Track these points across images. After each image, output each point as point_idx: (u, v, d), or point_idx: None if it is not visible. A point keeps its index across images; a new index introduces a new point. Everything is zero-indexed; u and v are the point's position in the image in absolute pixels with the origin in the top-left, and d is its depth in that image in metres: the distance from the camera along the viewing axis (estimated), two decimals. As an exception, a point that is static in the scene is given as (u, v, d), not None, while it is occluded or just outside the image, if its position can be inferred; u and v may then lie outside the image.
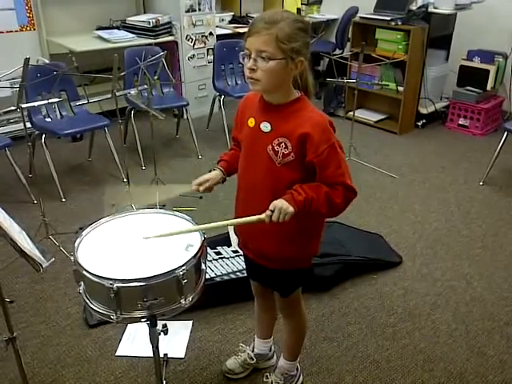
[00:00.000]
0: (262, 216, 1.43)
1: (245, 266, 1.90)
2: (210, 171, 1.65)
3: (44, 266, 1.39)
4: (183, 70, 4.71)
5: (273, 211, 1.40)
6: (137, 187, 3.34)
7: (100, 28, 4.50)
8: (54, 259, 1.45)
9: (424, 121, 4.83)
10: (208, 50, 4.78)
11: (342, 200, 1.45)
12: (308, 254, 1.68)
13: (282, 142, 1.46)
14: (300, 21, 1.39)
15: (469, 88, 4.58)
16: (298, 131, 1.42)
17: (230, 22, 5.18)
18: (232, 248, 2.62)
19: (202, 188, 1.61)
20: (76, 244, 1.49)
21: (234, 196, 1.67)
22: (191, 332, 2.27)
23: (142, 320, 1.43)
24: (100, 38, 4.30)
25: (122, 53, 3.83)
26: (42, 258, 1.40)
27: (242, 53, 1.42)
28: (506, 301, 2.51)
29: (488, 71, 4.46)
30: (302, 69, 1.44)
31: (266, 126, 1.49)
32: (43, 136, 3.37)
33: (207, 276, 1.65)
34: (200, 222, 1.58)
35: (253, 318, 2.18)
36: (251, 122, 1.53)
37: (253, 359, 2.04)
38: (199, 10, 4.61)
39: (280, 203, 1.40)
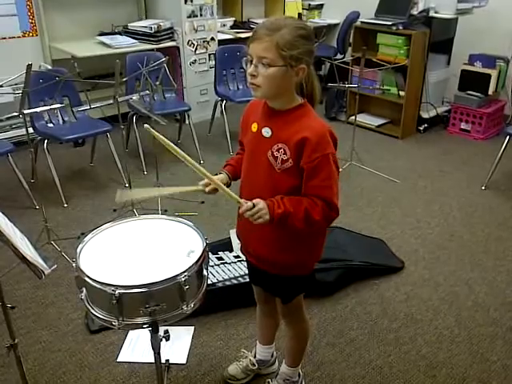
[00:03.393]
0: (242, 201, 1.42)
1: (246, 272, 1.90)
2: (216, 175, 1.66)
3: (46, 273, 1.39)
4: (185, 76, 4.72)
5: (253, 207, 1.40)
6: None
7: (102, 33, 4.51)
8: (55, 266, 1.45)
9: (426, 125, 4.83)
10: (210, 55, 4.80)
11: (322, 217, 1.42)
12: (309, 261, 1.67)
13: (281, 148, 1.46)
14: (302, 28, 1.39)
15: (470, 92, 4.58)
16: (296, 137, 1.42)
17: (232, 28, 5.19)
18: (234, 253, 2.61)
19: (208, 189, 1.60)
20: (78, 250, 1.49)
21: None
22: (193, 338, 2.27)
23: (144, 326, 1.43)
24: (102, 43, 4.31)
25: (123, 58, 3.84)
26: (44, 265, 1.39)
27: (244, 58, 1.43)
28: (509, 306, 2.50)
29: (489, 75, 4.46)
30: (307, 76, 1.44)
31: (267, 132, 1.49)
32: (45, 141, 3.38)
33: (209, 281, 1.65)
34: (202, 227, 1.59)
35: (255, 323, 2.17)
36: (254, 127, 1.54)
37: (255, 365, 2.04)
38: (201, 15, 4.63)
39: (262, 206, 1.40)
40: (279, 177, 1.48)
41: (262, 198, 1.46)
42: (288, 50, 1.34)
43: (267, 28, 1.36)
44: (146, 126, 1.47)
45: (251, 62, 1.39)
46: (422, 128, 4.82)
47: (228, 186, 1.66)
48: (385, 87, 4.52)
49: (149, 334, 1.55)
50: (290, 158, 1.45)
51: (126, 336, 2.27)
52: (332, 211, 1.44)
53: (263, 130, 1.50)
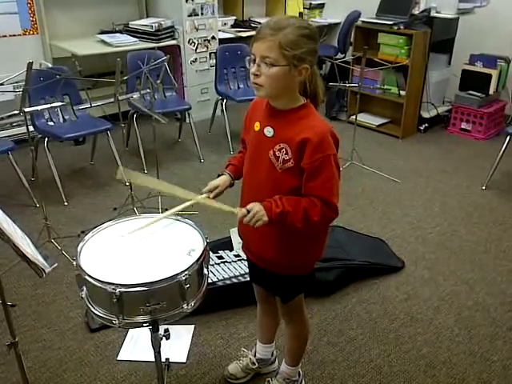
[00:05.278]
0: (236, 210, 1.44)
1: (247, 271, 1.90)
2: (219, 176, 1.66)
3: (47, 271, 1.38)
4: (186, 74, 4.72)
5: (248, 212, 1.41)
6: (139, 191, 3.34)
7: (103, 32, 4.51)
8: (56, 264, 1.44)
9: (426, 125, 4.83)
10: (210, 53, 4.80)
11: (320, 218, 1.41)
12: (309, 260, 1.67)
13: (282, 148, 1.46)
14: (306, 27, 1.38)
15: (471, 92, 4.58)
16: (298, 138, 1.42)
17: (233, 26, 5.19)
18: (234, 252, 2.61)
19: (212, 194, 1.62)
20: (78, 248, 1.48)
21: (238, 201, 1.67)
22: (193, 336, 2.27)
23: (145, 325, 1.43)
24: (103, 41, 4.31)
25: (124, 57, 3.84)
26: (45, 264, 1.39)
27: (248, 58, 1.43)
28: (509, 306, 2.50)
29: (490, 75, 4.45)
30: (310, 75, 1.44)
31: (269, 131, 1.49)
32: (46, 139, 3.38)
33: (209, 280, 1.65)
34: (203, 226, 1.59)
35: (255, 322, 2.18)
36: (256, 126, 1.54)
37: (255, 364, 2.04)
38: (202, 14, 4.63)
39: (258, 208, 1.41)
40: (280, 176, 1.48)
41: (263, 197, 1.47)
42: (291, 49, 1.34)
43: (271, 27, 1.36)
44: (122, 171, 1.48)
45: (254, 61, 1.39)
46: (422, 128, 4.82)
47: (231, 185, 1.68)
48: (385, 87, 4.52)
49: (149, 333, 1.55)
50: (291, 158, 1.45)
51: (127, 334, 2.27)
52: (331, 211, 1.43)
53: (265, 130, 1.50)
